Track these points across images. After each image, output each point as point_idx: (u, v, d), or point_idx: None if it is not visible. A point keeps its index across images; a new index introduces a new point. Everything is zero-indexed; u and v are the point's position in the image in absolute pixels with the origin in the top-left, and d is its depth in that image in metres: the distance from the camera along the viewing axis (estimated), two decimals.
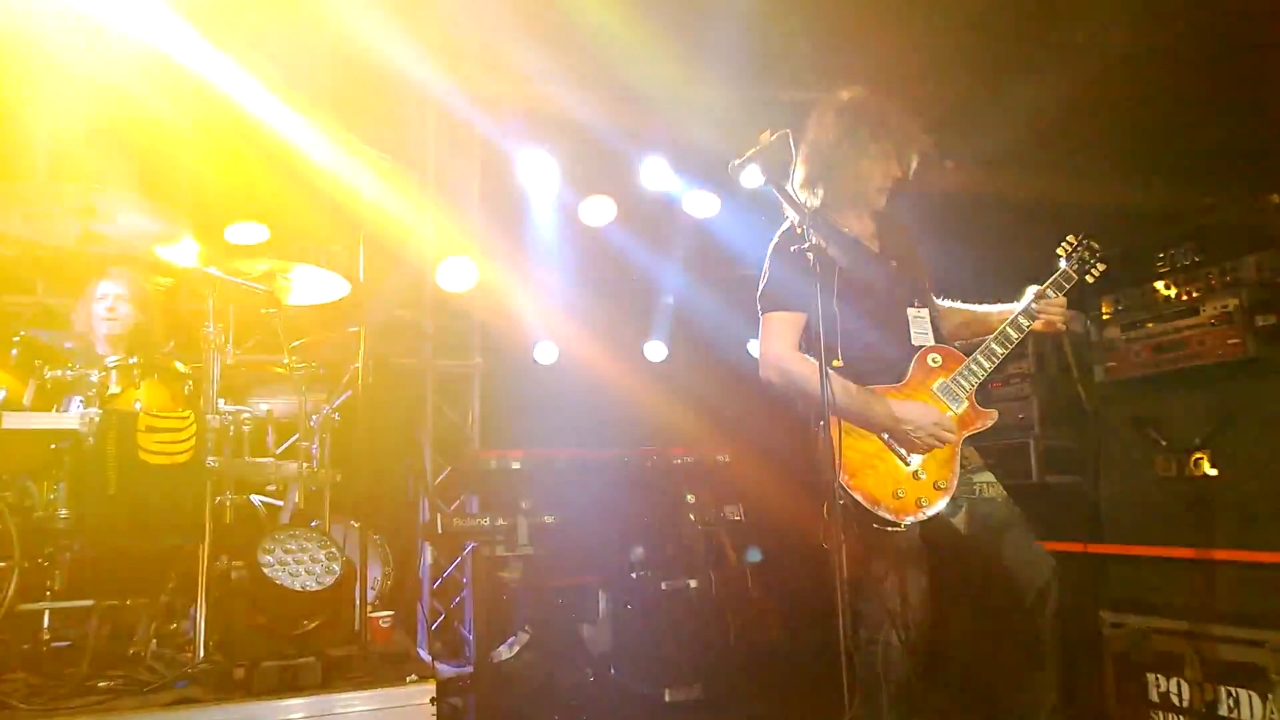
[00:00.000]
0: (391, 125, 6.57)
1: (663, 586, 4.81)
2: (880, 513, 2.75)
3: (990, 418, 2.93)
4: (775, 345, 2.93)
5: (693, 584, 4.87)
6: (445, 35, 6.67)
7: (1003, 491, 2.93)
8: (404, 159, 6.57)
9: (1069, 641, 3.54)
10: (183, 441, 3.33)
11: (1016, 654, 2.84)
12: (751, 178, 2.84)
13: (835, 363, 2.84)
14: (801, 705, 4.42)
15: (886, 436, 2.84)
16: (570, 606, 5.27)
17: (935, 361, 2.93)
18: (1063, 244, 3.10)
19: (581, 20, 6.55)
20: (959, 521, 2.89)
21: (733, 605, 5.42)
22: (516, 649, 5.34)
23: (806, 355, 2.88)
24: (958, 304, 3.25)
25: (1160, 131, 4.62)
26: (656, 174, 6.74)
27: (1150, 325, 3.57)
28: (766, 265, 3.04)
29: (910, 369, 2.91)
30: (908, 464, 2.82)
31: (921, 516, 2.79)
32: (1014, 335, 2.96)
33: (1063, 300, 3.01)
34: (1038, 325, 3.00)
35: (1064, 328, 3.02)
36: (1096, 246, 3.08)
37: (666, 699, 4.56)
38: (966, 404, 2.90)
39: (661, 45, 6.68)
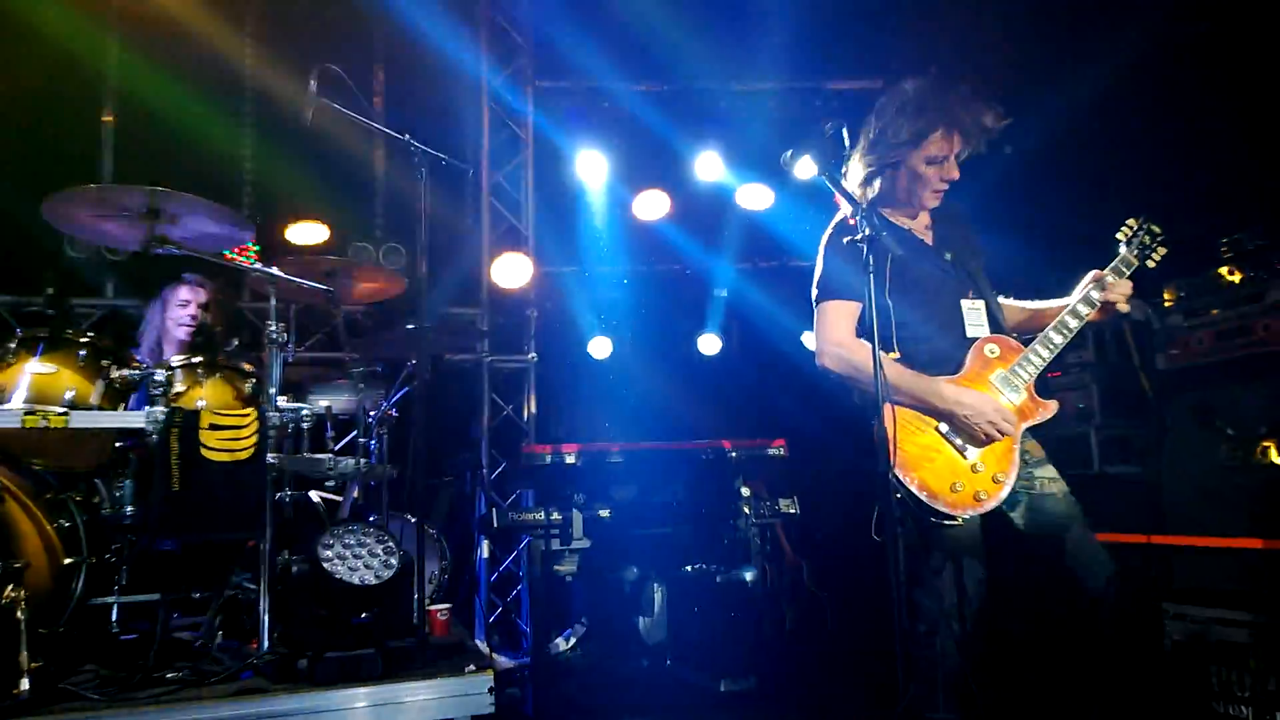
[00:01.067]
0: (446, 123, 6.67)
1: (718, 579, 4.80)
2: (938, 506, 2.72)
3: (1050, 409, 2.88)
4: (833, 333, 2.91)
5: (748, 576, 4.87)
6: (499, 29, 6.76)
7: (1064, 486, 2.88)
8: (459, 157, 6.68)
9: (1131, 632, 3.49)
10: (245, 439, 3.41)
11: (1072, 652, 2.80)
12: (804, 169, 2.83)
13: (892, 355, 2.84)
14: (856, 697, 4.39)
15: (945, 429, 2.81)
16: (626, 599, 5.30)
17: (993, 352, 2.89)
18: (1123, 228, 3.03)
19: (633, 13, 6.59)
20: (1018, 516, 2.85)
21: (788, 597, 5.41)
22: (573, 641, 5.39)
23: (864, 342, 2.85)
24: (1020, 301, 3.20)
25: (1223, 112, 4.49)
26: (710, 167, 6.74)
27: (1214, 312, 3.47)
28: (821, 256, 3.03)
29: (968, 360, 2.87)
30: (966, 457, 2.79)
31: (980, 510, 2.75)
32: (1073, 324, 2.90)
33: (1125, 285, 2.93)
34: (1096, 314, 2.93)
35: (1126, 310, 2.93)
36: (1158, 231, 3.00)
37: (721, 689, 4.56)
38: (1025, 394, 2.86)
39: (712, 37, 6.69)
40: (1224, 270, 3.50)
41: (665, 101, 7.08)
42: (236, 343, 4.36)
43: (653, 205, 6.85)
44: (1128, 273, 2.97)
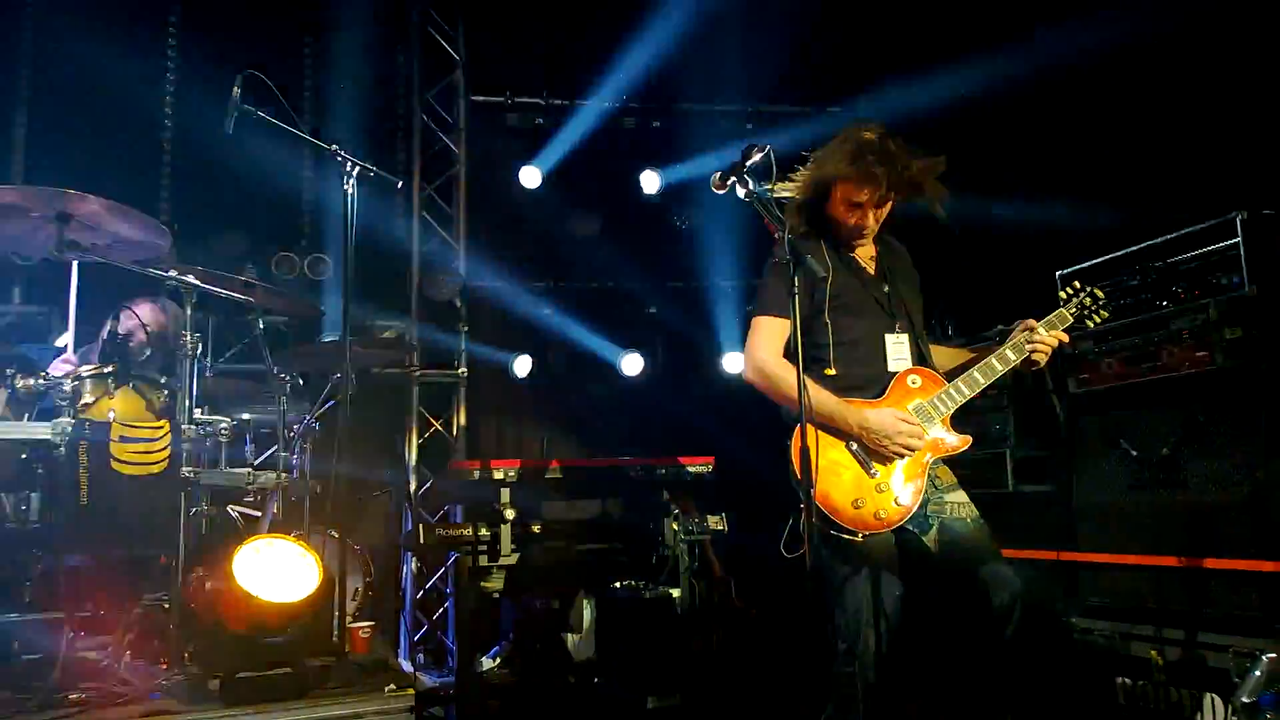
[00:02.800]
0: (378, 135, 6.61)
1: (646, 596, 4.80)
2: (839, 521, 2.78)
3: (963, 443, 2.95)
4: (759, 348, 2.98)
5: (676, 593, 4.87)
6: (433, 43, 6.73)
7: (974, 511, 2.95)
8: (390, 169, 6.62)
9: (1040, 647, 3.58)
10: (157, 452, 3.33)
11: (985, 667, 2.86)
12: (734, 192, 2.87)
13: (828, 371, 2.92)
14: (781, 713, 4.42)
15: (855, 447, 2.87)
16: (554, 616, 5.27)
17: (915, 383, 2.97)
18: (1067, 288, 3.12)
19: (569, 32, 6.63)
20: (930, 539, 2.91)
21: (716, 614, 5.43)
22: (500, 658, 5.34)
23: (786, 361, 2.93)
24: (953, 348, 3.29)
25: (1132, 148, 4.69)
26: (649, 184, 6.79)
27: (1122, 338, 3.60)
28: (766, 269, 3.07)
29: (889, 387, 2.95)
30: (872, 475, 2.85)
31: (879, 530, 2.81)
32: (998, 367, 2.98)
33: (1051, 340, 3.00)
34: (1022, 363, 3.00)
35: (1041, 363, 3.01)
36: (1101, 296, 3.08)
37: (649, 706, 4.55)
38: (941, 427, 2.93)
39: (649, 58, 6.76)
40: (1132, 299, 3.63)
41: (600, 119, 7.12)
42: (150, 352, 4.24)
43: (585, 223, 6.88)
44: (1060, 328, 3.04)
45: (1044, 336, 2.98)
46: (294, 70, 6.54)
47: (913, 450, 2.85)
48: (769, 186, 2.88)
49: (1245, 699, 2.17)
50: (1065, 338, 3.04)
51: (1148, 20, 4.47)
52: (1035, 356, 2.98)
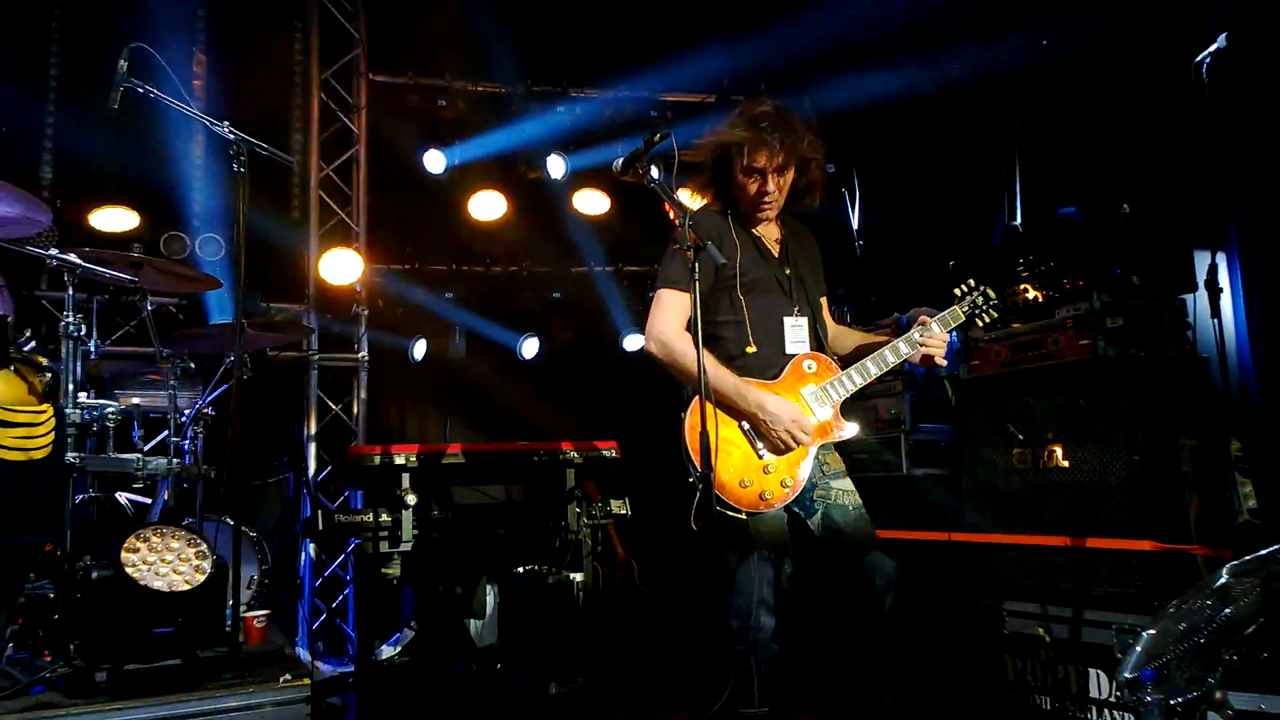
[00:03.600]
0: (273, 113, 6.42)
1: (549, 580, 4.81)
2: (724, 497, 2.83)
3: (849, 430, 3.04)
4: (660, 321, 3.00)
5: (579, 577, 4.89)
6: (332, 20, 6.55)
7: (857, 499, 3.04)
8: (287, 148, 6.43)
9: (930, 626, 3.72)
10: (40, 436, 3.18)
11: (866, 646, 2.96)
12: (635, 176, 2.89)
13: (749, 349, 2.97)
14: (683, 694, 4.50)
15: (746, 427, 2.92)
16: (456, 601, 5.23)
17: (810, 367, 3.03)
18: (961, 285, 3.22)
19: (472, 14, 6.54)
20: (814, 524, 3.00)
21: (618, 598, 5.47)
22: (401, 646, 5.28)
23: (686, 334, 2.96)
24: (852, 330, 3.37)
25: (1025, 144, 4.88)
26: (553, 169, 6.76)
27: (1010, 326, 3.75)
28: (666, 249, 3.09)
29: (786, 369, 3.01)
30: (760, 457, 2.91)
31: (764, 510, 2.88)
32: (891, 359, 3.07)
33: (944, 336, 3.09)
34: (915, 357, 3.09)
35: (943, 364, 3.11)
36: (993, 296, 3.19)
37: (552, 691, 4.57)
38: (831, 413, 3.00)
39: (553, 42, 6.73)
40: (1020, 287, 3.79)
41: (504, 103, 7.05)
42: (29, 333, 4.05)
43: (489, 206, 6.81)
44: (953, 325, 3.14)
45: (937, 334, 3.08)
46: (187, 45, 6.28)
47: (794, 446, 2.91)
48: (670, 170, 2.91)
49: (1128, 674, 2.29)
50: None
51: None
52: (928, 353, 3.07)
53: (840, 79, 5.81)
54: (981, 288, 3.20)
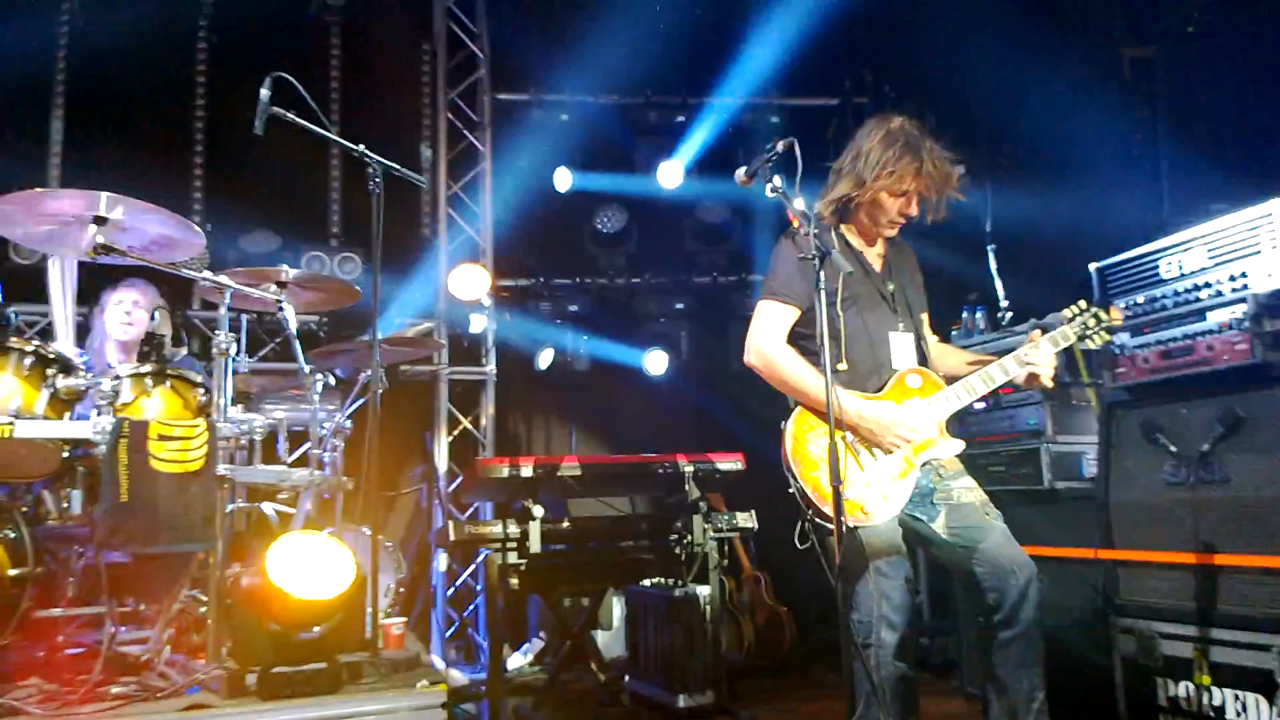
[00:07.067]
0: (403, 133, 6.65)
1: (676, 594, 4.79)
2: (824, 509, 2.77)
3: (956, 447, 2.97)
4: (764, 333, 3.00)
5: (704, 591, 4.84)
6: (457, 41, 6.76)
7: (982, 495, 2.96)
8: (416, 167, 6.65)
9: (1080, 646, 3.53)
10: (195, 450, 3.35)
11: (1003, 654, 2.85)
12: (759, 185, 2.87)
13: (840, 366, 2.91)
14: (812, 711, 4.41)
15: (850, 437, 2.87)
16: (583, 613, 5.27)
17: (914, 382, 2.99)
18: (1073, 305, 3.15)
19: (592, 28, 6.63)
20: (939, 526, 2.92)
21: (746, 612, 5.42)
22: (530, 656, 5.35)
23: (789, 347, 2.97)
24: (955, 348, 3.35)
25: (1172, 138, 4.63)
26: (670, 176, 6.78)
27: (1159, 331, 3.53)
28: (773, 258, 3.09)
29: (889, 384, 2.97)
30: (864, 468, 2.86)
31: (864, 522, 2.81)
32: (998, 377, 3.00)
33: (1051, 357, 3.01)
34: (1022, 377, 3.01)
35: (1049, 385, 3.03)
36: (1104, 317, 3.11)
37: (680, 705, 4.54)
38: (935, 429, 2.95)
39: (671, 52, 6.76)
40: (1168, 290, 3.57)
41: (625, 115, 7.13)
42: (184, 352, 4.30)
43: (611, 218, 6.88)
44: (1062, 344, 3.06)
45: (1045, 354, 2.99)
46: (319, 67, 6.58)
47: (903, 446, 2.86)
48: (794, 178, 2.88)
49: None
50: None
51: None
52: (1034, 372, 2.98)
53: (967, 74, 5.63)
54: (1093, 309, 3.12)
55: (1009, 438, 4.15)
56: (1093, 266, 3.82)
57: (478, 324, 6.46)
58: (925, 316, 3.23)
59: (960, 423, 4.16)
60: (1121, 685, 3.48)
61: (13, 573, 3.14)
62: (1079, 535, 3.74)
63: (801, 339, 3.00)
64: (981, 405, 4.15)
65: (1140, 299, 3.60)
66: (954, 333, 4.71)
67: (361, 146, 3.59)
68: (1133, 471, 3.57)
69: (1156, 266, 3.59)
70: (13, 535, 3.21)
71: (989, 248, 5.06)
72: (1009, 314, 4.77)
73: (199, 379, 3.71)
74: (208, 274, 3.55)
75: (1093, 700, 3.51)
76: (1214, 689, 3.18)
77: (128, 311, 4.25)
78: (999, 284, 4.93)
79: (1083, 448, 4.04)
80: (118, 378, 3.46)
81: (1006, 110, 5.45)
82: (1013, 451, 4.12)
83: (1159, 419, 3.50)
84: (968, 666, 4.12)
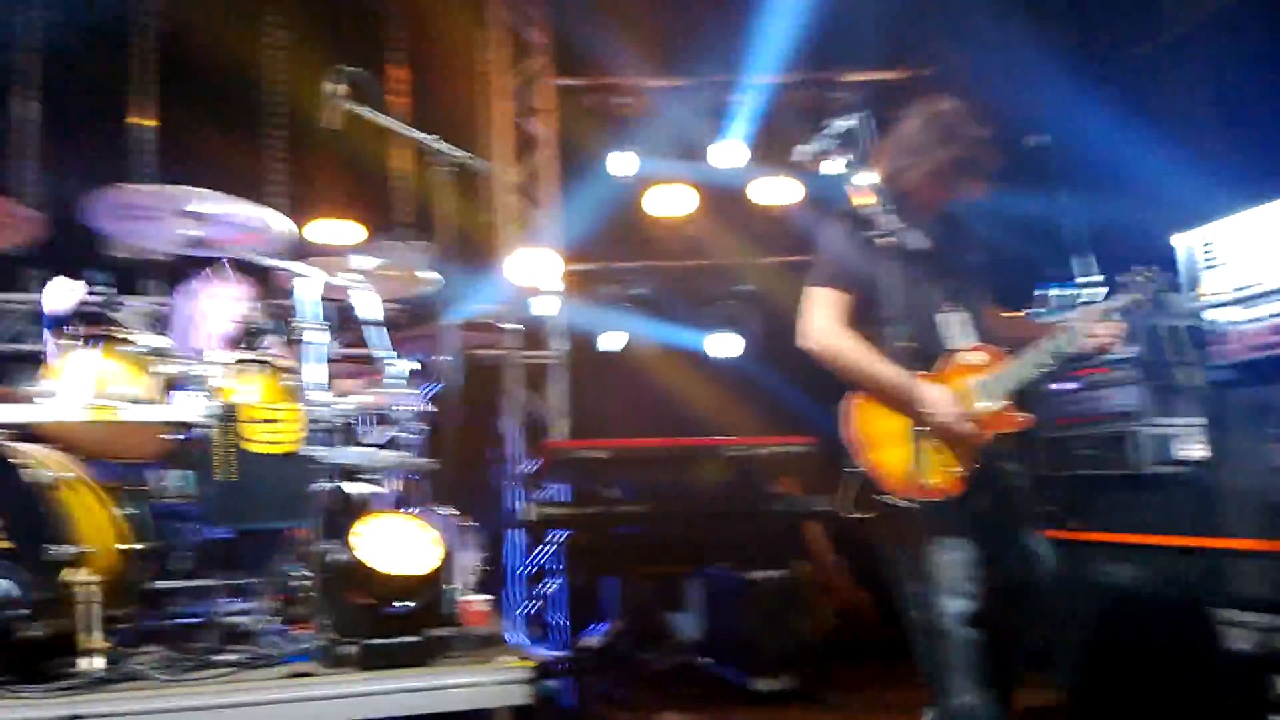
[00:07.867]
0: (466, 121, 6.71)
1: (752, 576, 4.78)
2: (887, 487, 2.81)
3: (1025, 422, 2.94)
4: (819, 318, 2.99)
5: (780, 574, 4.84)
6: (515, 28, 6.79)
7: (1026, 483, 3.01)
8: (479, 154, 6.69)
9: (1177, 640, 3.43)
10: (287, 432, 3.45)
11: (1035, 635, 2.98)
12: (822, 163, 2.86)
13: (905, 342, 2.84)
14: (891, 696, 4.38)
15: (909, 417, 2.84)
16: (659, 594, 5.31)
17: (976, 359, 2.96)
18: (1145, 274, 3.07)
19: (647, 9, 6.62)
20: (983, 507, 2.90)
21: (823, 595, 5.39)
22: (607, 635, 5.39)
23: (846, 331, 2.96)
24: (1025, 316, 3.38)
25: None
26: (731, 156, 6.74)
27: (1268, 304, 3.36)
28: (823, 240, 3.09)
29: (950, 362, 2.96)
30: (923, 448, 2.80)
31: (927, 499, 2.76)
32: (1065, 347, 2.94)
33: (1116, 325, 2.98)
34: (1089, 345, 2.97)
35: (1115, 352, 3.05)
36: (1153, 276, 3.04)
37: (757, 687, 4.55)
38: (1000, 403, 2.91)
39: (729, 30, 6.70)
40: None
41: (684, 96, 7.10)
42: (274, 338, 4.38)
43: (674, 200, 6.87)
44: (1119, 308, 3.02)
45: (1111, 324, 2.96)
46: (381, 58, 6.65)
47: (963, 433, 2.83)
48: (859, 155, 2.85)
49: None
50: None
51: None
52: (1100, 342, 2.96)
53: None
54: (1146, 274, 3.04)
55: (1099, 419, 4.00)
56: (1172, 239, 3.66)
57: (547, 308, 6.50)
58: (988, 292, 3.19)
59: (1046, 403, 4.06)
60: (1226, 681, 3.34)
61: (133, 547, 3.29)
62: (1173, 521, 3.61)
63: (860, 323, 2.97)
64: (1071, 385, 4.04)
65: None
66: (1025, 314, 4.59)
67: (436, 136, 3.64)
68: (1238, 454, 3.41)
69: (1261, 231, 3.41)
70: (136, 512, 3.37)
71: (1059, 226, 4.91)
72: (1084, 290, 4.63)
73: (288, 364, 3.80)
74: (293, 263, 3.63)
75: (1192, 697, 3.41)
76: None
77: (224, 302, 4.35)
78: (1075, 261, 4.80)
79: (1175, 430, 3.88)
80: (214, 364, 3.56)
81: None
82: (1102, 434, 3.97)
83: (1269, 398, 3.35)
84: (1060, 656, 4.03)
